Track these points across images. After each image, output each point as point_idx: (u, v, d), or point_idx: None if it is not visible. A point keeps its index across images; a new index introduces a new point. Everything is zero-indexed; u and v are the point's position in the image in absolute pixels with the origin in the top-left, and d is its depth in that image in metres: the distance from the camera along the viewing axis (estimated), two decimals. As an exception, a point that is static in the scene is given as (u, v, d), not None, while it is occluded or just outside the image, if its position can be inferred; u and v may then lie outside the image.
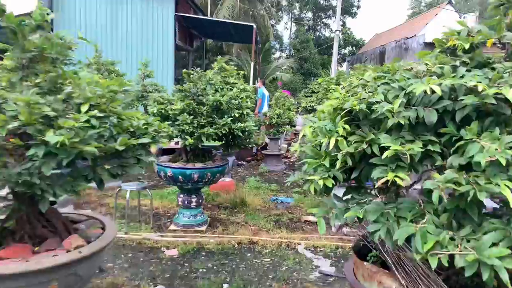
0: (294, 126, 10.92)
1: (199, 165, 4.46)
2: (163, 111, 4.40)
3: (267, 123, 9.08)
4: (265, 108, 11.48)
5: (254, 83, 14.41)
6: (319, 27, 42.69)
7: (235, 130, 4.41)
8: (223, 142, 4.76)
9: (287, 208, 5.68)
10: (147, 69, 8.39)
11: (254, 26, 12.91)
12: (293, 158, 10.16)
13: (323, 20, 41.88)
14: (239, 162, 9.18)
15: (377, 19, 78.55)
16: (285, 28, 44.18)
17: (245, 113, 4.64)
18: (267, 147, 9.71)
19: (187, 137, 4.19)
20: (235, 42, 22.08)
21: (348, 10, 40.24)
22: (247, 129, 4.47)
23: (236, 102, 4.63)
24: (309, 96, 12.74)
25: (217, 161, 4.69)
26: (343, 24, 42.36)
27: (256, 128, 5.10)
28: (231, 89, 5.32)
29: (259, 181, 7.38)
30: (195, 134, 4.18)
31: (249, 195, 5.90)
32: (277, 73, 23.18)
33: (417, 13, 44.76)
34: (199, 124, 4.26)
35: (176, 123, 4.30)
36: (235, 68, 6.43)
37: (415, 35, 26.18)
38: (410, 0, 51.97)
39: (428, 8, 43.02)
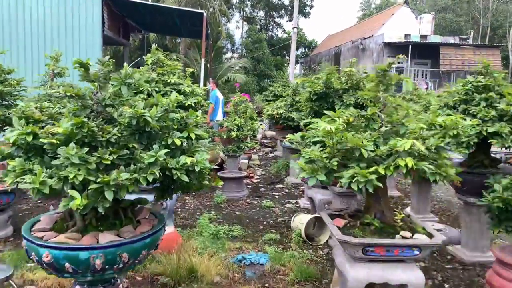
0: (255, 136, 8.96)
1: (106, 237, 2.35)
2: (34, 139, 2.26)
3: (224, 136, 7.02)
4: (219, 116, 9.41)
5: (205, 85, 12.28)
6: (271, 27, 41.20)
7: (174, 172, 2.34)
8: (156, 185, 2.66)
9: (261, 277, 3.68)
10: (58, 65, 6.07)
11: (205, 14, 10.73)
12: (256, 178, 8.17)
13: (276, 19, 40.44)
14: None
15: (327, 21, 78.93)
16: (236, 27, 42.26)
17: (193, 137, 2.59)
18: (224, 167, 7.65)
19: (73, 193, 2.07)
20: (182, 36, 19.67)
21: (301, 9, 39.09)
22: (197, 168, 2.40)
23: (177, 116, 2.59)
24: (271, 101, 10.82)
25: (144, 223, 2.60)
26: (296, 25, 41.17)
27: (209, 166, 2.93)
28: (170, 93, 3.26)
29: (215, 219, 5.32)
30: (89, 186, 2.08)
31: (202, 256, 3.82)
32: (230, 74, 21.14)
33: (367, 15, 44.64)
34: (100, 165, 2.17)
35: (53, 162, 2.18)
36: (181, 64, 4.35)
37: (372, 35, 25.39)
38: (360, 2, 52.10)
39: (378, 10, 42.95)
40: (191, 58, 20.86)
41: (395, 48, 23.71)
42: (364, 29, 29.48)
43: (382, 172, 2.38)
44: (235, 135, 6.83)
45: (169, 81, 4.21)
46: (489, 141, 3.96)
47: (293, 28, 19.67)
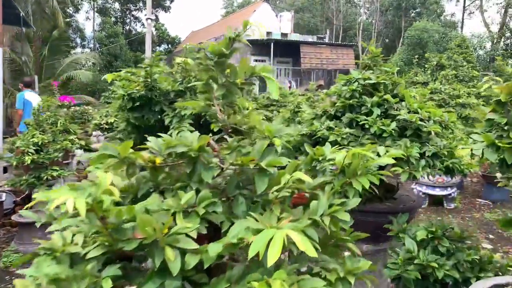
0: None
1: None
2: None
3: (13, 162, 4.62)
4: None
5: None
6: (129, 20, 37.67)
7: None
8: None
9: None
10: None
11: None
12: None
13: (133, 12, 37.05)
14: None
15: (191, 17, 77.22)
16: (86, 19, 37.52)
17: None
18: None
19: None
20: None
21: (160, 3, 36.54)
22: None
23: None
24: (110, 103, 8.52)
25: None
26: (157, 19, 38.44)
27: None
28: None
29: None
30: None
31: None
32: (73, 72, 17.75)
33: (230, 13, 44.23)
34: None
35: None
36: None
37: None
38: (222, 0, 51.64)
39: (240, 8, 42.80)
40: (23, 52, 16.88)
41: (258, 46, 23.14)
42: (227, 25, 28.53)
43: None
44: (29, 160, 4.50)
45: None
46: (392, 169, 2.60)
47: (147, 19, 17.30)
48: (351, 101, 2.94)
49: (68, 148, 5.10)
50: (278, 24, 24.85)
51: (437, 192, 5.86)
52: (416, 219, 5.08)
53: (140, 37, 34.54)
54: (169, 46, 40.51)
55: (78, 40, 32.67)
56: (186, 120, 2.94)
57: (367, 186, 1.46)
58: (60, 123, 5.39)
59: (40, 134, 4.98)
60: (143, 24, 37.40)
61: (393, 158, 2.63)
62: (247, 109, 3.19)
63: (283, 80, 22.59)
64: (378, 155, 1.72)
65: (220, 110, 1.58)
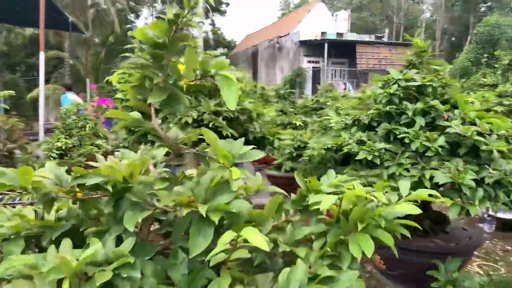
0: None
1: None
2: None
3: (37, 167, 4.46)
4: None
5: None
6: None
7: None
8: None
9: None
10: None
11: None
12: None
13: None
14: None
15: (248, 20, 77.78)
16: (145, 25, 38.97)
17: None
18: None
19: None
20: (28, 26, 15.35)
21: (216, 7, 36.99)
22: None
23: None
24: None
25: None
26: (213, 23, 39.03)
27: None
28: None
29: None
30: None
31: None
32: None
33: (287, 15, 43.81)
34: None
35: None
36: None
37: (288, 34, 23.94)
38: (279, 1, 51.37)
39: (296, 9, 42.21)
40: (80, 56, 17.65)
41: (311, 47, 22.43)
42: (281, 27, 28.08)
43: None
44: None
45: None
46: (438, 200, 1.98)
47: (198, 23, 17.32)
48: (387, 108, 2.34)
49: (93, 153, 4.91)
50: (333, 24, 23.94)
51: (509, 216, 4.77)
52: (473, 256, 4.27)
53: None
54: (225, 49, 40.90)
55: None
56: (188, 129, 2.52)
57: (369, 251, 0.92)
58: (89, 127, 5.22)
59: (65, 138, 4.84)
60: (200, 27, 38.05)
61: (439, 184, 2.01)
62: (258, 116, 2.67)
63: (338, 82, 21.67)
64: (399, 194, 1.15)
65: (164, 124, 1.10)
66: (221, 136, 2.65)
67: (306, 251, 1.02)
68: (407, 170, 2.11)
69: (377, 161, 2.17)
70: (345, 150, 2.35)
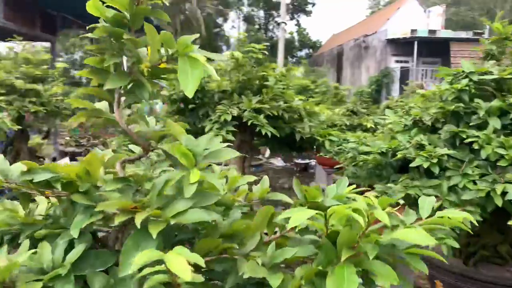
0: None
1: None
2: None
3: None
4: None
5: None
6: (271, 27, 38.91)
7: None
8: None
9: None
10: None
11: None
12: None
13: (276, 19, 38.10)
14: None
15: (334, 20, 76.08)
16: (232, 27, 39.93)
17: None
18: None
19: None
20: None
21: (302, 8, 36.76)
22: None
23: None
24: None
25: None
26: (298, 24, 38.83)
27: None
28: None
29: None
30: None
31: None
32: (211, 76, 18.86)
33: (375, 13, 42.03)
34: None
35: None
36: None
37: (376, 32, 22.80)
38: (368, 0, 49.49)
39: (385, 7, 40.29)
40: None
41: (400, 46, 21.11)
42: (368, 25, 26.91)
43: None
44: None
45: None
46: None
47: (281, 23, 17.25)
48: (454, 107, 1.95)
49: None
50: (425, 21, 22.26)
51: None
52: None
53: (285, 42, 35.26)
54: (310, 50, 40.45)
55: (224, 48, 35.00)
56: (227, 127, 2.37)
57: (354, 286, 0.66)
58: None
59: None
60: (285, 30, 38.19)
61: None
62: (310, 115, 2.44)
63: (428, 83, 20.09)
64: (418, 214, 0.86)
65: (129, 116, 0.95)
66: (261, 136, 2.47)
67: (283, 279, 0.79)
68: (474, 182, 1.72)
69: (435, 170, 1.81)
70: (399, 156, 2.01)
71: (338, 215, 0.78)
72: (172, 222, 0.78)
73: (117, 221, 0.76)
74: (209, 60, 0.89)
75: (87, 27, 0.95)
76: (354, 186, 1.03)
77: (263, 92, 2.50)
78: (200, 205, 0.92)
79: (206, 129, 2.47)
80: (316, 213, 0.78)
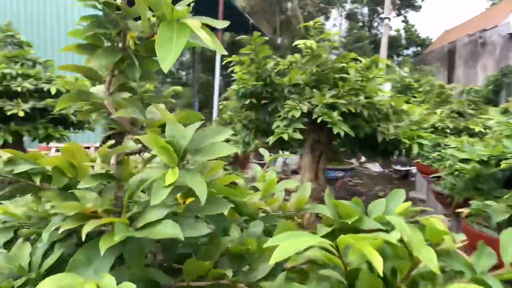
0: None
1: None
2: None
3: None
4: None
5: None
6: (376, 24, 37.13)
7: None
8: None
9: None
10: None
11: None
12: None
13: (381, 15, 36.31)
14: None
15: (448, 15, 69.70)
16: (333, 25, 38.90)
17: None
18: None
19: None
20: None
21: (410, 2, 34.41)
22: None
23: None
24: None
25: None
26: (405, 20, 36.42)
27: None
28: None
29: None
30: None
31: None
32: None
33: (495, 4, 37.64)
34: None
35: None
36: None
37: (496, 26, 20.22)
38: (489, -9, 44.50)
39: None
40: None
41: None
42: (486, 19, 24.05)
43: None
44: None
45: None
46: None
47: (384, 18, 16.29)
48: None
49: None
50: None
51: None
52: None
53: (390, 39, 33.52)
54: (418, 48, 37.73)
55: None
56: (296, 124, 2.12)
57: None
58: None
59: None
60: (390, 26, 36.21)
61: None
62: (397, 113, 2.14)
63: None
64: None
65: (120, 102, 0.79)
66: (332, 135, 2.17)
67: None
68: None
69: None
70: (504, 165, 1.59)
71: (353, 250, 0.52)
72: (139, 235, 0.59)
73: (62, 229, 0.60)
74: (210, 28, 0.68)
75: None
76: (410, 203, 0.73)
77: (339, 85, 2.21)
78: (209, 213, 0.73)
79: (274, 126, 2.26)
80: (320, 242, 0.53)
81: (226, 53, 0.70)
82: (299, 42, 2.28)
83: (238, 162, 4.97)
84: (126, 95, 0.80)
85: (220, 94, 7.96)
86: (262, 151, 1.28)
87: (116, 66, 0.76)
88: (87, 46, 0.76)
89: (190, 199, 0.81)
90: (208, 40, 0.62)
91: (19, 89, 2.89)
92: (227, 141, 2.84)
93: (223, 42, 20.25)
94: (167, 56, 0.60)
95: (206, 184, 0.74)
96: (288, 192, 1.11)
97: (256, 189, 1.12)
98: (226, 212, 0.82)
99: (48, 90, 3.03)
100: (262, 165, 1.31)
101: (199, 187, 0.60)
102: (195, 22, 0.65)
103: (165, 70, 0.59)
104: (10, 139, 2.54)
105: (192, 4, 0.72)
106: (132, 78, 0.74)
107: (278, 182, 1.11)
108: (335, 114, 2.06)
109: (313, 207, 0.95)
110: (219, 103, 5.71)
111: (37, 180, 0.76)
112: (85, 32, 0.73)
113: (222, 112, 5.30)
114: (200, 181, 0.62)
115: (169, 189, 0.60)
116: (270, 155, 1.33)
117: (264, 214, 0.95)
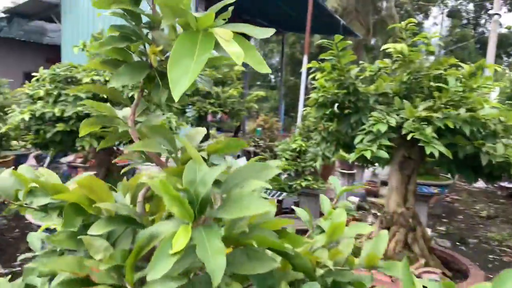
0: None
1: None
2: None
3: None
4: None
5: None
6: (483, 21, 33.74)
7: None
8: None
9: None
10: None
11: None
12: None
13: (490, 11, 32.84)
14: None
15: None
16: (433, 24, 35.96)
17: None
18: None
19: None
20: (299, 32, 14.79)
21: (526, -5, 30.67)
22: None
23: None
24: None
25: None
26: (519, 16, 32.53)
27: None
28: None
29: None
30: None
31: None
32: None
33: None
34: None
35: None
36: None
37: None
38: None
39: None
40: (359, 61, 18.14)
41: None
42: None
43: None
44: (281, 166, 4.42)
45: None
46: None
47: (494, 14, 14.60)
48: None
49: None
50: None
51: None
52: None
53: (499, 38, 30.28)
54: (533, 47, 33.34)
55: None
56: (381, 140, 1.84)
57: None
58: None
59: (302, 140, 4.86)
60: (500, 24, 32.63)
61: None
62: (508, 130, 1.83)
63: None
64: None
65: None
66: (424, 154, 1.86)
67: None
68: None
69: None
70: None
71: None
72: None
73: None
74: (246, 37, 0.51)
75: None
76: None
77: (435, 96, 1.88)
78: (245, 273, 0.56)
79: (356, 141, 2.01)
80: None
81: (269, 70, 0.53)
82: (388, 46, 1.99)
83: (319, 172, 4.72)
84: (157, 118, 0.67)
85: (306, 99, 7.78)
86: (332, 179, 1.07)
87: (145, 85, 0.63)
88: (111, 62, 0.64)
89: (228, 249, 0.65)
90: (236, 55, 0.46)
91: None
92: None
93: (312, 45, 19.95)
94: (182, 77, 0.44)
95: (245, 234, 0.57)
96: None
97: (320, 230, 0.92)
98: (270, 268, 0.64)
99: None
100: (347, 175, 1.11)
101: (213, 260, 0.44)
102: (226, 32, 0.48)
103: (176, 98, 0.43)
104: (95, 143, 2.66)
105: (230, 8, 0.56)
106: (157, 101, 0.61)
107: (349, 219, 0.90)
108: (428, 130, 1.75)
109: (388, 266, 0.72)
110: (303, 109, 5.53)
111: (54, 216, 0.66)
112: (106, 44, 0.61)
113: (306, 118, 5.11)
114: (216, 249, 0.45)
115: (175, 259, 0.44)
116: (349, 172, 1.12)
117: (323, 271, 0.75)
